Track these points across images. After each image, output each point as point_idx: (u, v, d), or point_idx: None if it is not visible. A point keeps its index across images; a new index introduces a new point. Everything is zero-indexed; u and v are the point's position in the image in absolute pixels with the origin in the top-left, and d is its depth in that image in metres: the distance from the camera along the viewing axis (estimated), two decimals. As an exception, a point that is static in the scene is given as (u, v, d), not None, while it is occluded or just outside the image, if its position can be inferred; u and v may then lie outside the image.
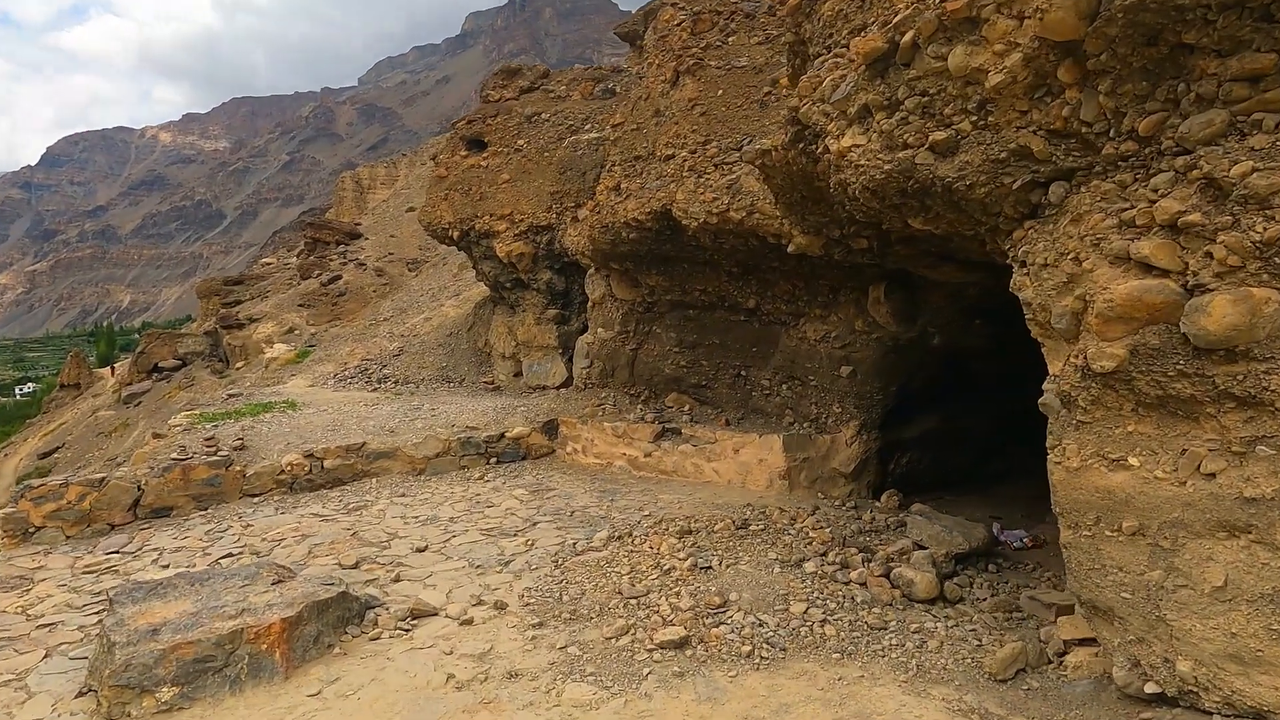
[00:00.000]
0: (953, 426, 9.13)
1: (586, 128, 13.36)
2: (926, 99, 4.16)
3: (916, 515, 6.98)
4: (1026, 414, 9.85)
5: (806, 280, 8.92)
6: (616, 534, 7.12)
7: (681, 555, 6.30)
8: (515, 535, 7.47)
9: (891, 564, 5.99)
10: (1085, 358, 3.63)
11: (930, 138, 4.19)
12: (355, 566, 6.67)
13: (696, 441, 9.49)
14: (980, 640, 4.90)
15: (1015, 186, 4.01)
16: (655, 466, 9.74)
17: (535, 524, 7.86)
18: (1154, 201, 3.36)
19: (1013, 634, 5.01)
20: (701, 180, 8.37)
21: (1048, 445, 4.01)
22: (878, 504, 8.42)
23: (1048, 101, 3.74)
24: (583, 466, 10.38)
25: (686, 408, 10.60)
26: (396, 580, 6.33)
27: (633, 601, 5.48)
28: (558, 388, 13.91)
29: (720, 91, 8.79)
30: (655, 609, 5.32)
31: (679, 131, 8.99)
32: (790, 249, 7.65)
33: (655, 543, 6.74)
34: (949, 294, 7.75)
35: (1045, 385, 4.04)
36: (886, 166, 4.47)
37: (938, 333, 8.03)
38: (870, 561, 6.07)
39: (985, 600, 5.59)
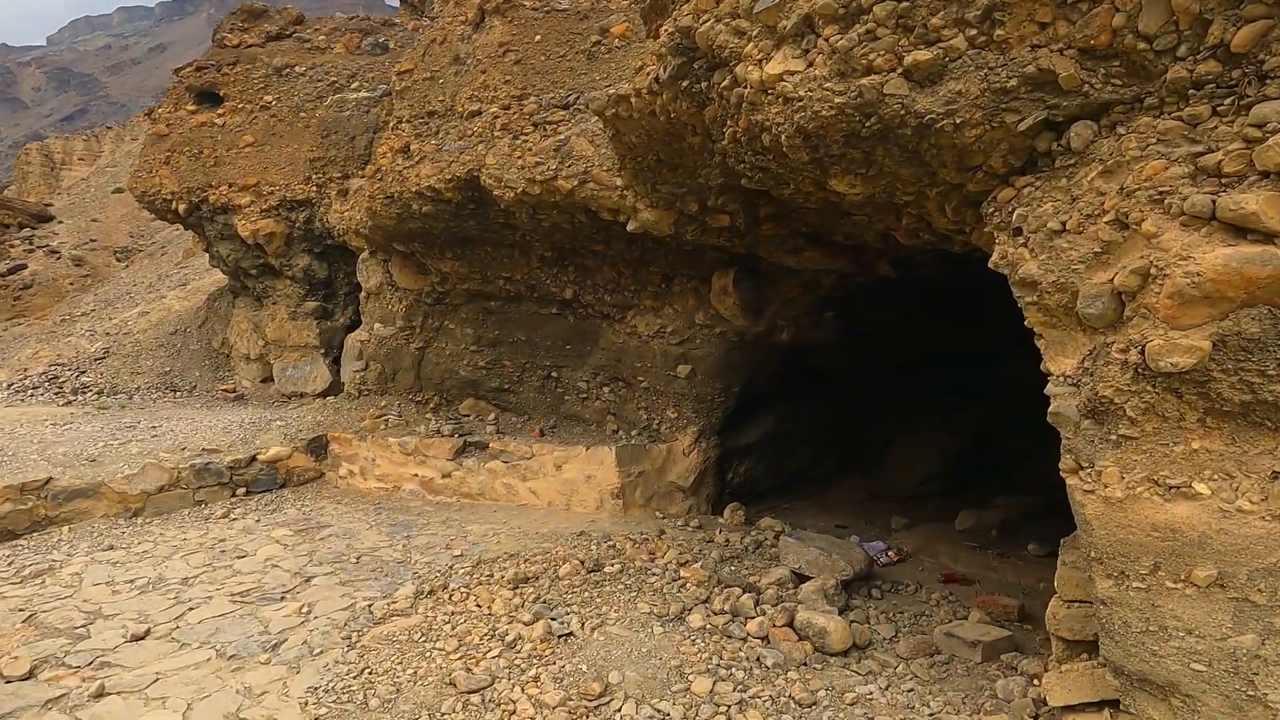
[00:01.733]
0: (790, 428, 8.41)
1: (354, 85, 11.24)
2: (905, 5, 3.08)
3: (787, 538, 6.04)
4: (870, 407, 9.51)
5: (636, 267, 7.75)
6: (426, 587, 5.46)
7: (525, 615, 4.81)
8: (282, 599, 5.54)
9: (785, 604, 4.95)
10: (1143, 352, 2.72)
11: (906, 59, 3.12)
12: (29, 677, 4.45)
13: (508, 457, 7.97)
14: (929, 705, 3.96)
15: (1020, 128, 3.04)
16: (457, 489, 8.08)
17: (309, 579, 5.95)
18: (1254, 141, 2.50)
19: (954, 690, 4.14)
20: (519, 142, 6.88)
21: (1065, 467, 3.09)
22: (721, 520, 7.45)
23: (1086, 8, 2.79)
24: (362, 493, 8.44)
25: (491, 416, 9.01)
26: (100, 695, 4.24)
27: (475, 700, 3.92)
28: (320, 395, 11.63)
29: (538, 37, 7.35)
30: (511, 709, 3.81)
31: (487, 83, 7.42)
32: (631, 227, 6.42)
33: (483, 597, 5.18)
34: (803, 284, 6.94)
35: (1053, 389, 3.12)
36: (837, 100, 3.34)
37: (787, 326, 7.20)
38: (761, 604, 4.99)
39: (897, 642, 4.71)
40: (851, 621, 4.78)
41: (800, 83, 3.47)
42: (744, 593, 5.10)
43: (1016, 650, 4.65)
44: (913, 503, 8.64)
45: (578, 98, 6.98)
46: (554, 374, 9.05)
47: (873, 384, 8.93)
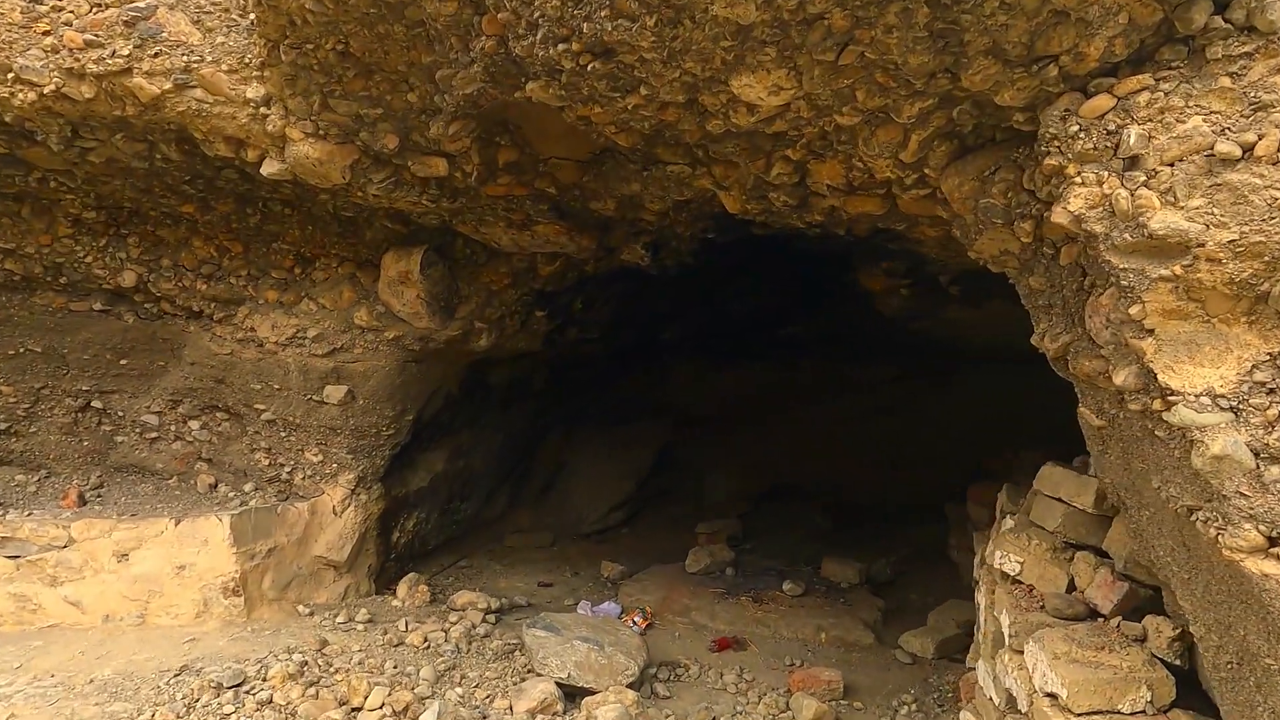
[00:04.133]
0: (464, 463, 6.52)
1: None
2: None
3: (535, 632, 4.22)
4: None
5: (253, 241, 5.21)
6: None
7: None
8: None
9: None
10: None
11: None
12: None
13: (24, 548, 4.75)
14: None
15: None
16: (-92, 615, 4.58)
17: None
18: None
19: None
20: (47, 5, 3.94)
21: (1241, 544, 1.92)
22: (397, 601, 5.31)
23: None
24: None
25: (-23, 479, 5.49)
26: None
27: None
28: None
29: None
30: None
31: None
32: (270, 171, 4.05)
33: None
34: (514, 272, 5.17)
35: (1193, 417, 1.95)
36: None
37: (489, 329, 5.35)
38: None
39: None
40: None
41: None
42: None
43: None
44: (605, 539, 7.40)
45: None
46: (96, 404, 5.87)
47: (551, 398, 7.48)
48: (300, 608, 4.99)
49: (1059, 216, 2.08)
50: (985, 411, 7.19)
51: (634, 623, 5.05)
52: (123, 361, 5.74)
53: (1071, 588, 2.94)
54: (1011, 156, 2.39)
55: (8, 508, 5.14)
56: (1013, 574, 3.08)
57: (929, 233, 3.41)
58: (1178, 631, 2.52)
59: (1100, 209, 2.01)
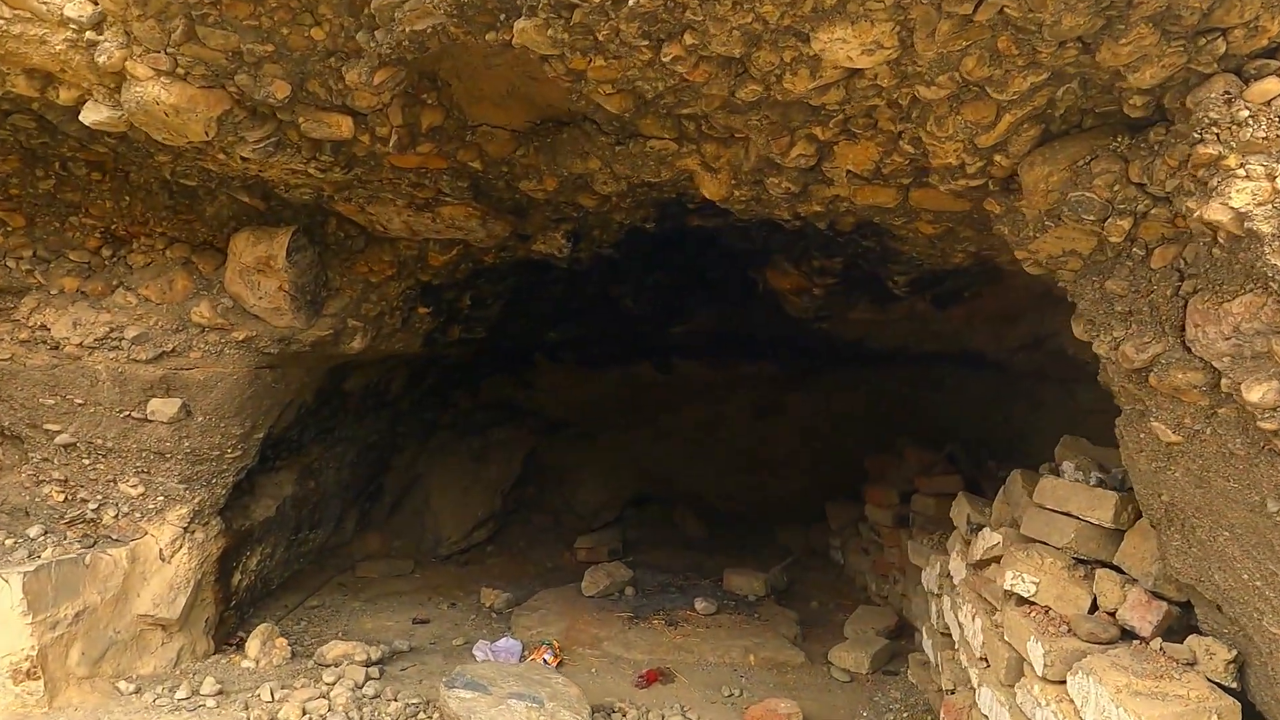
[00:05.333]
0: (314, 484, 5.54)
1: None
2: None
3: (456, 693, 3.51)
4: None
5: (39, 211, 4.05)
6: None
7: None
8: None
9: None
10: None
11: None
12: None
13: None
14: None
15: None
16: None
17: None
18: None
19: None
20: None
21: None
22: (250, 662, 4.34)
23: None
24: None
25: None
26: None
27: None
28: None
29: None
30: None
31: None
32: (91, 119, 3.11)
33: None
34: (400, 261, 4.37)
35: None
36: None
37: (364, 328, 4.49)
38: None
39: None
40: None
41: None
42: None
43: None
44: (470, 561, 6.69)
45: None
46: None
47: (407, 405, 6.62)
48: (122, 684, 3.90)
49: (1216, 213, 1.83)
50: (856, 413, 7.28)
51: (544, 661, 4.45)
52: None
53: (1093, 608, 2.80)
54: (1110, 145, 2.14)
55: None
56: (1027, 595, 2.90)
57: (925, 230, 3.16)
58: (1234, 654, 2.41)
59: (1269, 206, 1.78)
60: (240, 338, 4.16)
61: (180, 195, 4.03)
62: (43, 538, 4.17)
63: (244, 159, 3.28)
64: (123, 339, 4.06)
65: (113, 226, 4.15)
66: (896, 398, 6.97)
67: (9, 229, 4.07)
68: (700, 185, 3.10)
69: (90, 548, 4.08)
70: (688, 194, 3.37)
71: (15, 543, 4.14)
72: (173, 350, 4.11)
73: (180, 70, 2.87)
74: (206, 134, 3.06)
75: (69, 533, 4.16)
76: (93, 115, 3.06)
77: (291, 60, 2.85)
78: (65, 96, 3.09)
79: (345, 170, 3.42)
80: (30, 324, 4.05)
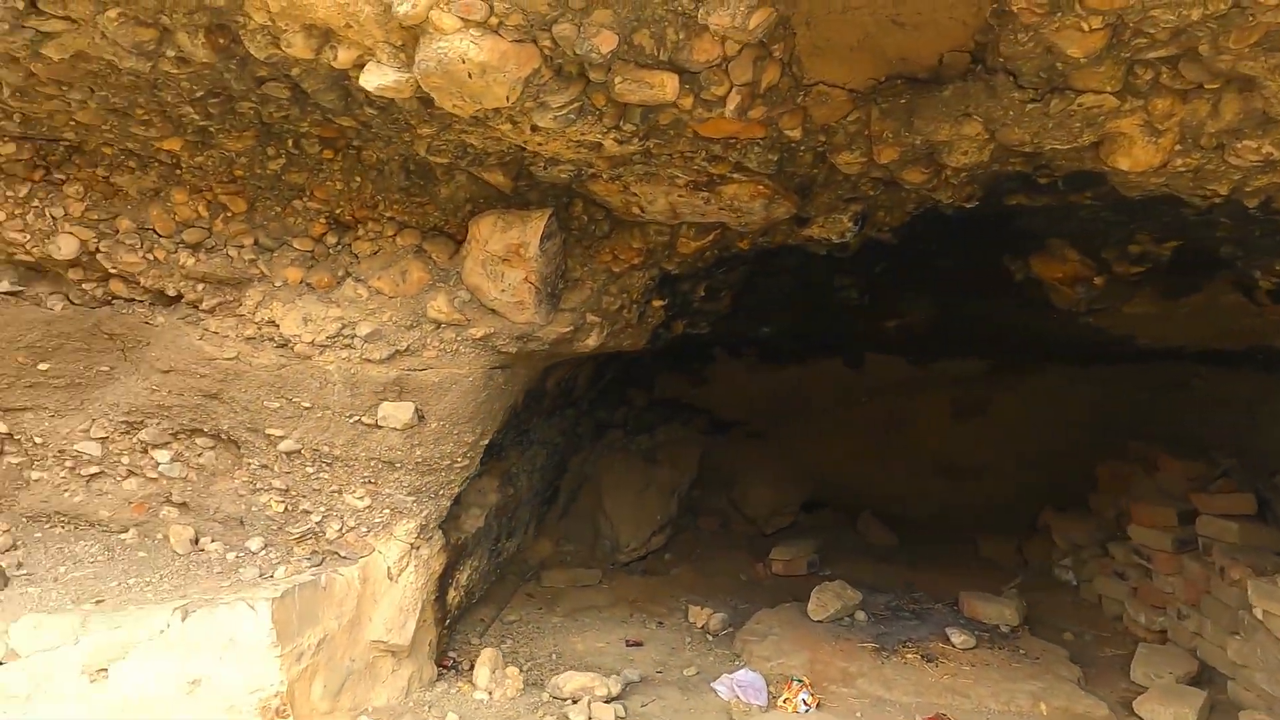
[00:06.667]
0: (512, 492, 5.13)
1: None
2: None
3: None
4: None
5: (260, 195, 3.67)
6: None
7: None
8: None
9: None
10: None
11: None
12: None
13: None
14: None
15: None
16: None
17: None
18: None
19: None
20: None
21: None
22: (481, 693, 3.93)
23: None
24: None
25: None
26: None
27: None
28: None
29: None
30: None
31: None
32: (375, 84, 2.66)
33: None
34: (648, 249, 3.86)
35: None
36: None
37: (601, 324, 4.01)
38: None
39: None
40: None
41: None
42: None
43: None
44: (652, 571, 6.23)
45: None
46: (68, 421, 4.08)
47: (586, 402, 6.18)
48: (362, 719, 3.53)
49: None
50: (1074, 415, 6.54)
51: (802, 702, 3.93)
52: (42, 366, 4.01)
53: None
54: None
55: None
56: None
57: None
58: None
59: None
60: (478, 335, 3.71)
61: (416, 175, 3.60)
62: (265, 552, 3.83)
63: (534, 129, 2.80)
64: (354, 336, 3.65)
65: (337, 211, 3.74)
66: (1125, 399, 6.21)
67: (230, 215, 3.70)
68: (1116, 154, 2.48)
69: (318, 565, 3.72)
70: (1074, 166, 2.74)
71: (238, 558, 3.82)
72: (406, 349, 3.69)
73: (494, 20, 2.38)
74: (508, 99, 2.57)
75: (296, 548, 3.81)
76: (376, 79, 2.60)
77: (630, 5, 2.34)
78: (343, 58, 2.64)
79: (642, 141, 2.91)
80: (256, 319, 3.68)
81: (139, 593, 3.50)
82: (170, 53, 2.74)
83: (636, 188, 3.39)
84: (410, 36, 2.51)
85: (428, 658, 4.04)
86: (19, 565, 3.77)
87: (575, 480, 6.58)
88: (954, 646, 4.46)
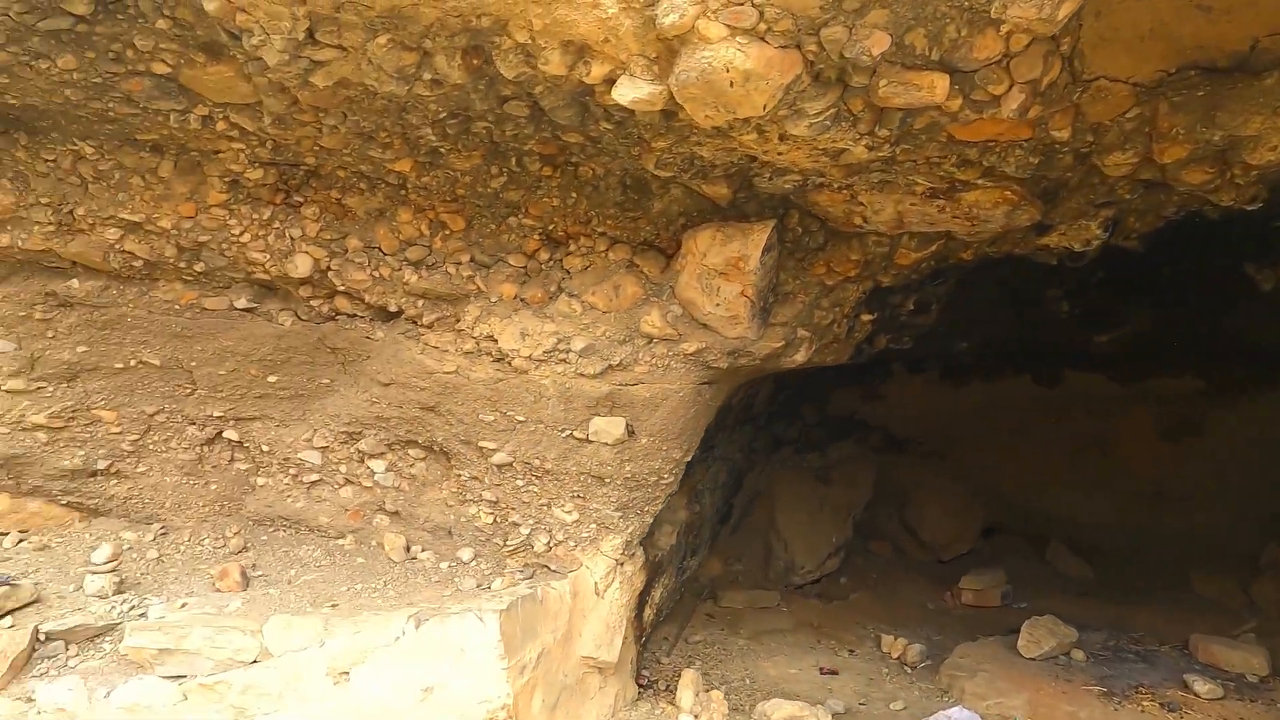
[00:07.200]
0: (699, 508, 5.06)
1: None
2: None
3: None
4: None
5: (478, 214, 3.72)
6: None
7: None
8: None
9: None
10: None
11: None
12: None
13: (192, 664, 3.19)
14: None
15: None
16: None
17: None
18: None
19: None
20: None
21: None
22: (682, 714, 3.84)
23: None
24: None
25: (83, 533, 3.92)
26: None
27: None
28: None
29: None
30: None
31: None
32: (629, 98, 2.65)
33: None
34: (866, 261, 3.70)
35: None
36: None
37: (810, 339, 3.88)
38: None
39: None
40: None
41: None
42: None
43: None
44: (830, 595, 6.00)
45: None
46: (230, 434, 4.35)
47: (764, 419, 6.04)
48: (576, 736, 3.51)
49: None
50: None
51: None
52: (271, 379, 4.22)
53: None
54: None
55: (144, 592, 3.59)
56: None
57: None
58: None
59: None
60: (690, 350, 3.65)
61: (632, 190, 3.59)
62: (475, 563, 3.90)
63: (782, 137, 2.71)
64: (569, 351, 3.67)
65: (550, 227, 3.78)
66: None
67: (449, 232, 3.80)
68: None
69: (530, 578, 3.74)
70: None
71: (450, 567, 3.90)
72: (619, 364, 3.68)
73: (763, 26, 2.31)
74: (764, 106, 2.50)
75: (509, 560, 3.85)
76: (630, 92, 2.58)
77: (909, 3, 2.21)
78: (595, 73, 2.64)
79: (893, 146, 2.77)
80: (475, 334, 3.76)
81: (367, 598, 3.61)
82: (427, 75, 2.81)
83: (865, 197, 3.25)
84: (666, 49, 2.48)
85: (630, 676, 4.00)
86: (254, 566, 3.98)
87: (747, 497, 6.46)
88: (1198, 696, 4.03)
